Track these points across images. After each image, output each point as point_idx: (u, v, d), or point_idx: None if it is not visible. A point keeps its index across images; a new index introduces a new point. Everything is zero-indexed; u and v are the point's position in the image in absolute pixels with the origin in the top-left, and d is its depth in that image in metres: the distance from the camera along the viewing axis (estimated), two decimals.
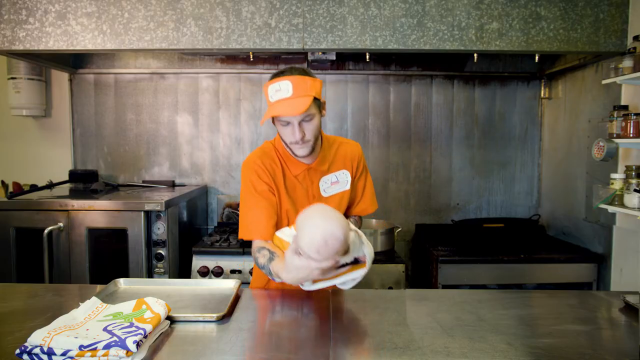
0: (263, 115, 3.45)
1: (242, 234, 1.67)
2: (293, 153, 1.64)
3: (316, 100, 1.56)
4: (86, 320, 1.28)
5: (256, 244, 1.63)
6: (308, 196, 1.73)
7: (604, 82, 2.46)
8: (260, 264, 1.57)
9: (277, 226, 1.67)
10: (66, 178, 3.27)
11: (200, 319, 1.40)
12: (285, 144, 1.63)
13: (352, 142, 1.84)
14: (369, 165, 3.48)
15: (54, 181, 3.23)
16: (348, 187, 1.76)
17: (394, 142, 3.49)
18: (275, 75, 1.57)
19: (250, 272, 2.75)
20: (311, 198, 1.73)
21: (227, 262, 2.75)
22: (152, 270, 2.64)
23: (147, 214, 2.61)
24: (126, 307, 1.36)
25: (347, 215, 1.87)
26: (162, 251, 2.63)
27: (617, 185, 2.36)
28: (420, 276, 3.22)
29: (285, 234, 1.54)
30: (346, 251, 1.31)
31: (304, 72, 1.56)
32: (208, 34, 2.51)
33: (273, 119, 1.61)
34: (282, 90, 1.51)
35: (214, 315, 1.40)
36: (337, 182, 1.74)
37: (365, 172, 1.86)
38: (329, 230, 1.23)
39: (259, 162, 1.69)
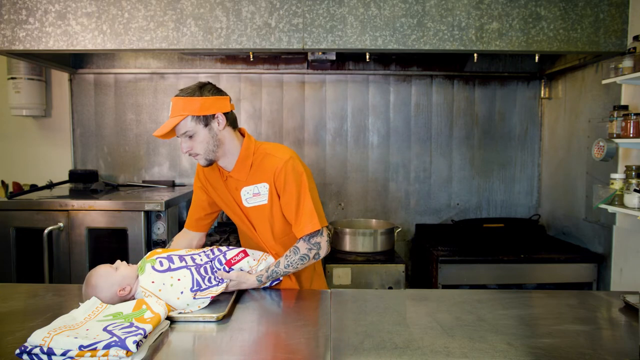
0: (262, 112, 3.46)
1: (321, 222, 1.71)
2: None
3: (195, 117, 1.62)
4: (86, 320, 1.28)
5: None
6: (233, 202, 1.78)
7: (604, 82, 2.46)
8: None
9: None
10: (66, 178, 3.27)
11: (201, 319, 1.40)
12: None
13: (279, 156, 1.71)
14: (371, 165, 3.48)
15: (54, 181, 3.23)
16: (266, 201, 1.71)
17: (394, 142, 3.49)
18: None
19: None
20: (235, 205, 1.78)
21: None
22: None
23: (147, 214, 2.61)
24: (126, 307, 1.36)
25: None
26: None
27: (617, 185, 2.35)
28: (420, 276, 3.22)
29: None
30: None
31: (189, 93, 1.64)
32: (208, 34, 2.51)
33: None
34: (157, 132, 1.65)
35: (214, 316, 1.40)
36: (258, 194, 1.72)
37: (294, 188, 1.68)
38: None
39: (200, 165, 1.81)
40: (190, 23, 2.51)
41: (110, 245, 2.62)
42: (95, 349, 1.11)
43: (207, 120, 1.65)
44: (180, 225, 2.87)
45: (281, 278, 1.72)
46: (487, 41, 2.51)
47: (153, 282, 1.47)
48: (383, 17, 2.50)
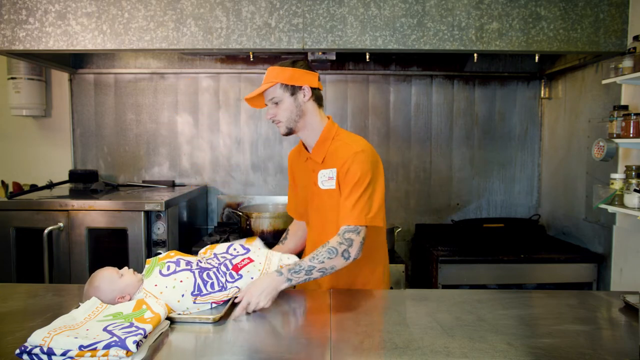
0: (262, 112, 3.46)
1: (367, 220, 1.68)
2: None
3: (283, 85, 1.74)
4: (86, 320, 1.28)
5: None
6: (309, 184, 1.86)
7: (604, 82, 2.46)
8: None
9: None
10: (66, 178, 3.27)
11: (197, 320, 1.40)
12: None
13: (352, 145, 1.73)
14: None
15: (54, 181, 3.23)
16: (334, 186, 1.74)
17: (394, 142, 3.49)
18: None
19: None
20: (312, 185, 1.84)
21: None
22: None
23: (147, 214, 2.61)
24: (126, 307, 1.36)
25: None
26: (162, 251, 2.63)
27: (617, 185, 2.35)
28: (420, 276, 3.22)
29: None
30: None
31: (283, 64, 1.77)
32: (208, 34, 2.51)
33: None
34: (247, 97, 1.79)
35: (210, 317, 1.40)
36: (331, 178, 1.76)
37: (353, 179, 1.68)
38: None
39: (290, 153, 2.02)
40: (190, 23, 2.51)
41: (110, 245, 2.62)
42: (95, 349, 1.11)
43: (294, 90, 1.75)
44: (181, 225, 2.87)
45: (313, 276, 1.60)
46: (487, 41, 2.51)
47: (156, 285, 1.47)
48: (383, 17, 2.50)
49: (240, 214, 3.07)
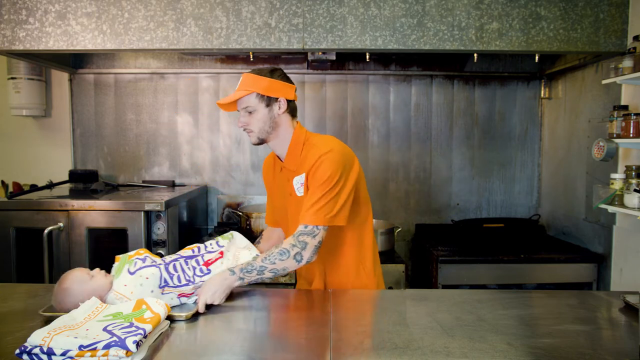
0: None
1: (325, 220, 1.65)
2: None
3: (259, 95, 1.70)
4: (86, 320, 1.28)
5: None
6: (285, 194, 1.81)
7: (604, 82, 2.46)
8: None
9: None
10: (66, 178, 3.27)
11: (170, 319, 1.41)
12: None
13: (320, 147, 1.69)
14: (371, 165, 3.48)
15: (54, 181, 3.23)
16: (304, 192, 1.72)
17: (394, 142, 3.49)
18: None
19: None
20: (288, 195, 1.80)
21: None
22: None
23: (147, 214, 2.61)
24: (126, 307, 1.36)
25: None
26: (162, 251, 2.63)
27: (617, 185, 2.35)
28: (420, 276, 3.22)
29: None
30: None
31: (260, 72, 1.73)
32: (208, 34, 2.51)
33: None
34: (220, 102, 1.76)
35: (183, 315, 1.42)
36: (303, 184, 1.73)
37: (319, 179, 1.64)
38: None
39: (264, 162, 1.98)
40: (190, 23, 2.51)
41: (110, 245, 2.61)
42: (95, 349, 1.11)
43: (269, 101, 1.71)
44: (181, 225, 2.87)
45: (265, 277, 1.60)
46: (487, 41, 2.51)
47: (126, 285, 1.47)
48: (383, 17, 2.50)
49: (240, 214, 3.07)
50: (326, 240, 1.68)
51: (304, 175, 1.70)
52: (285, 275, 2.46)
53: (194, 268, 1.59)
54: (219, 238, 1.75)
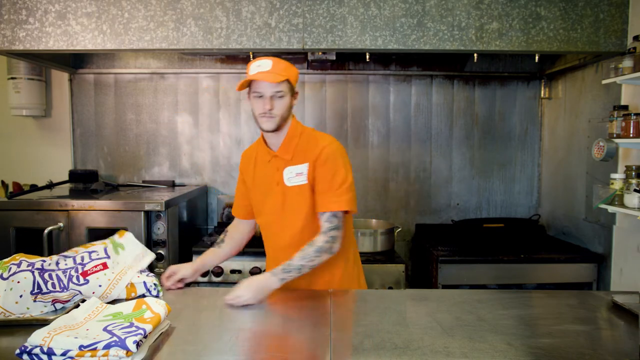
0: None
1: (348, 205, 1.78)
2: (260, 127, 1.77)
3: (289, 83, 1.74)
4: (86, 320, 1.28)
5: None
6: (271, 183, 1.84)
7: (604, 82, 2.46)
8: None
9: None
10: (66, 178, 3.27)
11: (34, 322, 1.37)
12: (255, 119, 1.77)
13: (324, 138, 1.82)
14: (371, 165, 3.48)
15: (54, 181, 3.23)
16: (306, 181, 1.77)
17: (394, 142, 3.49)
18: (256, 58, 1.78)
19: (252, 273, 2.75)
20: (274, 185, 1.82)
21: (227, 262, 2.75)
22: (152, 270, 2.64)
23: (147, 214, 2.61)
24: (126, 307, 1.36)
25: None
26: (162, 251, 2.63)
27: (617, 185, 2.35)
28: (420, 276, 3.22)
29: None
30: None
31: (287, 61, 1.78)
32: (208, 34, 2.51)
33: (250, 97, 1.78)
34: (263, 66, 1.71)
35: (51, 319, 1.36)
36: (300, 174, 1.78)
37: (332, 165, 1.75)
38: None
39: (243, 154, 1.99)
40: (190, 23, 2.51)
41: None
42: (95, 349, 1.11)
43: (293, 91, 1.78)
44: (181, 225, 2.87)
45: (302, 273, 1.69)
46: (487, 41, 2.51)
47: None
48: (383, 17, 2.50)
49: None
50: (308, 236, 1.75)
51: (304, 165, 1.77)
52: None
53: (71, 276, 1.54)
54: (110, 245, 1.71)
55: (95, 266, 1.60)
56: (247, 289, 1.59)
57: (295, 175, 1.78)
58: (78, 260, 1.60)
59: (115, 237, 1.80)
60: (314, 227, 1.77)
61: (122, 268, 1.64)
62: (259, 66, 1.71)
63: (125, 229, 2.55)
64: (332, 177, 1.74)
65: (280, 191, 1.81)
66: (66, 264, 1.58)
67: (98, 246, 1.69)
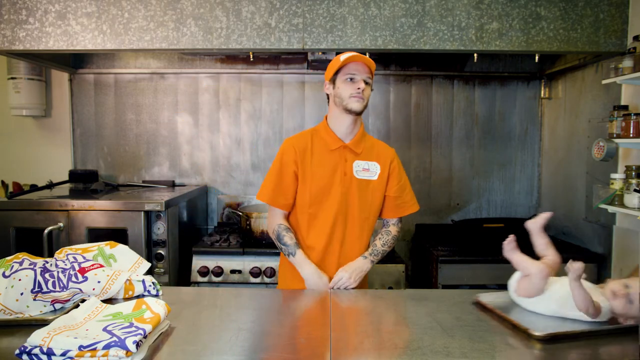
0: (262, 112, 3.46)
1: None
2: (348, 108, 1.88)
3: (372, 76, 1.91)
4: (86, 320, 1.28)
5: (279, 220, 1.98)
6: (337, 173, 1.92)
7: (604, 82, 2.46)
8: (284, 242, 1.92)
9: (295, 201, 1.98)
10: (66, 178, 3.27)
11: (33, 322, 1.37)
12: (342, 100, 1.89)
13: (385, 144, 2.05)
14: None
15: (54, 181, 3.23)
16: (376, 177, 1.94)
17: (394, 142, 3.48)
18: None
19: (252, 273, 2.74)
20: (342, 175, 1.92)
21: (227, 262, 2.75)
22: (152, 270, 2.64)
23: (147, 214, 2.61)
24: (126, 307, 1.36)
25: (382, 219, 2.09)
26: (162, 251, 2.64)
27: (617, 185, 2.35)
28: (420, 276, 3.22)
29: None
30: None
31: None
32: (208, 34, 2.51)
33: (334, 83, 1.91)
34: (355, 55, 1.87)
35: (51, 319, 1.36)
36: (367, 169, 1.94)
37: (403, 174, 2.03)
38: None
39: (289, 142, 1.98)
40: (190, 23, 2.51)
41: None
42: (95, 349, 1.11)
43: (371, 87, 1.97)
44: (181, 225, 2.87)
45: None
46: (487, 41, 2.51)
47: None
48: (383, 17, 2.50)
49: (240, 214, 3.06)
50: (354, 231, 1.94)
51: (376, 164, 1.95)
52: None
53: (71, 275, 1.54)
54: (100, 258, 1.70)
55: (92, 265, 1.60)
56: (347, 273, 1.83)
57: (362, 169, 1.93)
58: (78, 260, 1.61)
59: (106, 248, 1.75)
60: (371, 222, 1.98)
61: (113, 270, 1.64)
62: (352, 55, 1.86)
63: (126, 229, 2.58)
64: (405, 184, 2.01)
65: (349, 182, 1.92)
66: (65, 264, 1.58)
67: (89, 254, 1.68)
